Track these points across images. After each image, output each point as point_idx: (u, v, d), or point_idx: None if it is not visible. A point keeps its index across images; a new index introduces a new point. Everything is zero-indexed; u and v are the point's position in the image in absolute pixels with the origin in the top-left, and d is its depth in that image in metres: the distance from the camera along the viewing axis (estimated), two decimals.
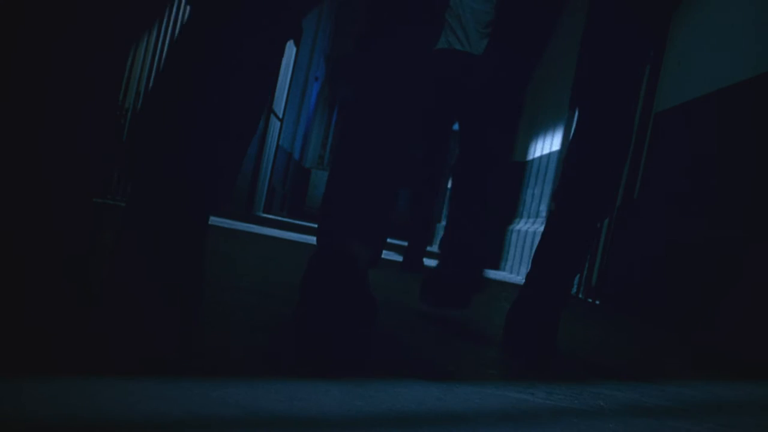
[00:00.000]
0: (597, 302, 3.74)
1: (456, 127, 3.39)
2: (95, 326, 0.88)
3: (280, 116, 10.38)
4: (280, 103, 10.24)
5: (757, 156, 2.62)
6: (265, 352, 1.08)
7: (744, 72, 2.83)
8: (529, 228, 5.47)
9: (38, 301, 0.85)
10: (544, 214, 5.18)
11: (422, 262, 3.79)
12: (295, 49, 10.52)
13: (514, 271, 5.65)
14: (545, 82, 6.46)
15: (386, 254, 4.51)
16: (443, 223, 10.45)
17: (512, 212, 6.55)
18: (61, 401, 0.70)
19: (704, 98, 3.16)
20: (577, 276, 4.00)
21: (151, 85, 4.42)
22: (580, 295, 3.94)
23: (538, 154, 6.03)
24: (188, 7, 5.49)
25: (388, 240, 4.55)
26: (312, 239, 4.57)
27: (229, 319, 1.31)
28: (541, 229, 5.04)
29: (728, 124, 2.92)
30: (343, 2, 13.77)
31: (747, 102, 2.79)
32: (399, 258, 4.18)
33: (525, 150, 6.57)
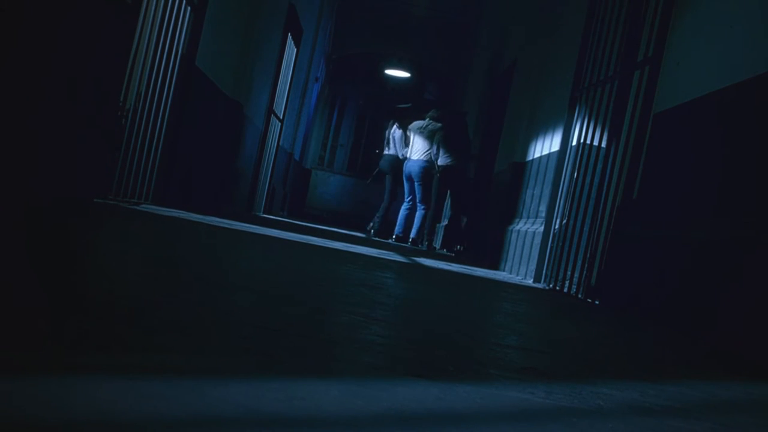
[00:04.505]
0: (597, 302, 3.75)
1: None
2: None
3: (281, 117, 10.37)
4: (280, 104, 10.23)
5: (757, 156, 2.63)
6: (265, 352, 1.08)
7: (744, 72, 2.83)
8: (528, 228, 5.46)
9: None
10: (543, 214, 5.17)
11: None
12: (295, 50, 10.51)
13: (513, 272, 5.64)
14: (545, 83, 6.46)
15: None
16: (443, 223, 10.58)
17: (512, 213, 6.55)
18: (61, 401, 0.70)
19: (704, 98, 3.16)
20: (577, 276, 4.02)
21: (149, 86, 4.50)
22: (580, 295, 3.94)
23: (537, 154, 6.03)
24: (188, 9, 5.47)
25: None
26: (311, 239, 4.57)
27: (229, 319, 1.31)
28: (541, 229, 5.03)
29: (728, 124, 2.92)
30: (343, 2, 13.77)
31: (747, 102, 2.79)
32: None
33: (525, 150, 6.57)
